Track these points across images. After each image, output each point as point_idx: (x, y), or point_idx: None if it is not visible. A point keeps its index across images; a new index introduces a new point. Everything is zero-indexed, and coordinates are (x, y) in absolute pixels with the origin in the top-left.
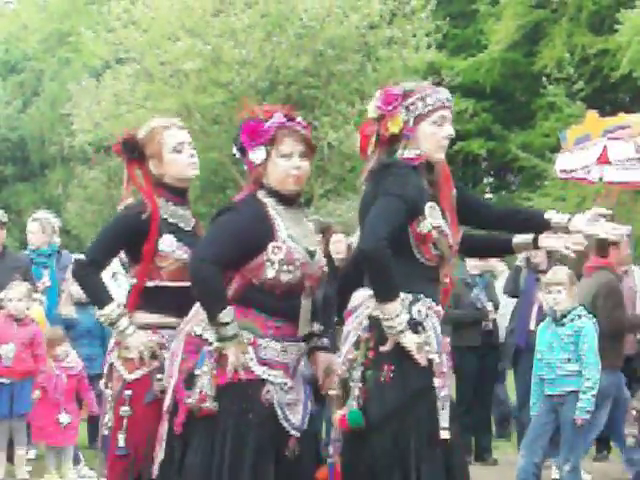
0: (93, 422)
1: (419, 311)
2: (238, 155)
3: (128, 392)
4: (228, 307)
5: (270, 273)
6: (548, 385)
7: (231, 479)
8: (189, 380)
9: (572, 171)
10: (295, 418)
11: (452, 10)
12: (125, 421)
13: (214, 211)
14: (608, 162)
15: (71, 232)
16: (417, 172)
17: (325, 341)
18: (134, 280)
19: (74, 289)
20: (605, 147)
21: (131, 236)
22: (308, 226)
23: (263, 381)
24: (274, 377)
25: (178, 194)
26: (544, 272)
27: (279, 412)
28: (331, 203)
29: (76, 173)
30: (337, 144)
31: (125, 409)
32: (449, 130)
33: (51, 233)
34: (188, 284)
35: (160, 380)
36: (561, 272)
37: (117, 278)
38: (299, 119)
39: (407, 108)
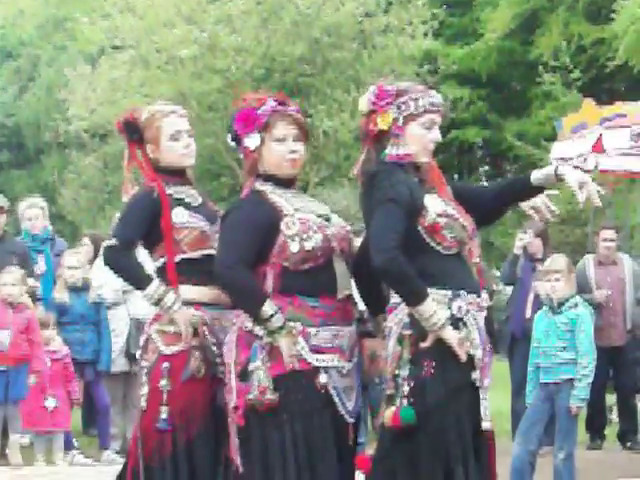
0: (88, 408)
1: (459, 307)
2: (233, 144)
3: (166, 365)
4: (267, 300)
5: (294, 247)
6: (544, 373)
7: (310, 467)
8: (243, 376)
9: (569, 159)
10: (350, 404)
11: None
12: (165, 395)
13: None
14: (603, 150)
15: (66, 218)
16: (404, 170)
17: (369, 326)
18: (160, 261)
19: (68, 274)
20: (600, 135)
21: (150, 213)
22: (312, 200)
23: (317, 369)
24: (328, 362)
25: (176, 175)
26: (540, 261)
27: (336, 398)
28: (326, 191)
29: (71, 159)
30: (332, 132)
31: (164, 383)
32: (436, 135)
33: (47, 218)
34: (208, 252)
35: (198, 358)
36: (559, 260)
37: None
38: (291, 104)
39: (399, 106)
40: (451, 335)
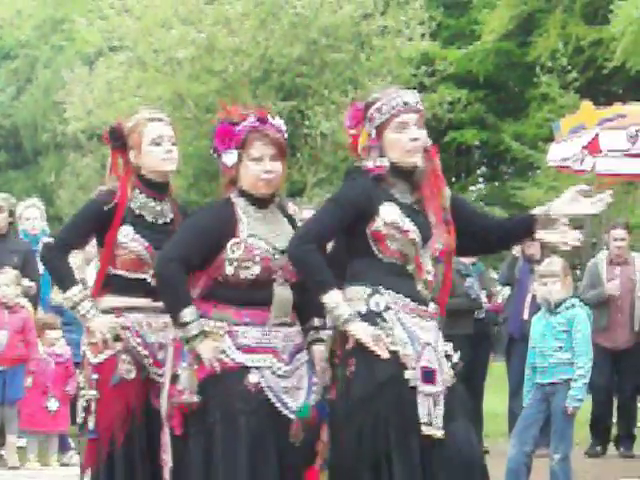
0: None
1: (377, 303)
2: (215, 156)
3: (95, 376)
4: (190, 307)
5: (229, 270)
6: (540, 374)
7: (228, 469)
8: (174, 380)
9: (565, 160)
10: (295, 403)
11: (446, 0)
12: (93, 404)
13: (206, 200)
14: (599, 151)
15: (63, 220)
16: (376, 179)
17: (323, 334)
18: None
19: None
20: (597, 136)
21: (96, 223)
22: (283, 225)
23: (247, 368)
24: (260, 361)
25: (154, 188)
26: (538, 262)
27: (272, 397)
28: (324, 192)
29: (69, 161)
30: (330, 133)
31: (92, 393)
32: (413, 133)
33: (44, 219)
34: (142, 276)
35: (126, 361)
36: (555, 263)
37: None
38: (273, 121)
39: (369, 120)
40: (358, 328)
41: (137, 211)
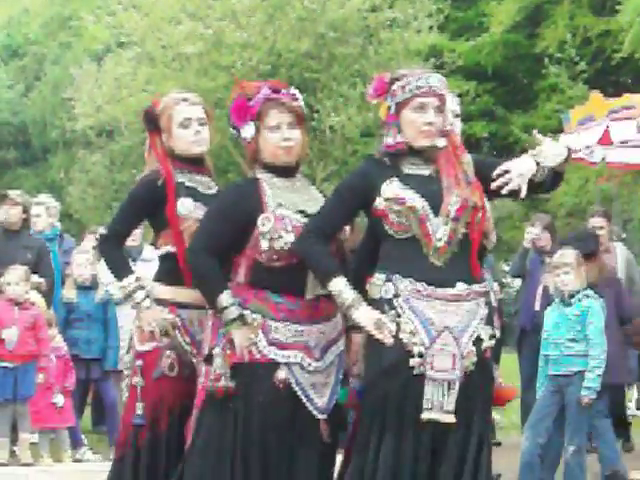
0: (96, 405)
1: (387, 290)
2: (235, 135)
3: (139, 362)
4: (226, 292)
5: (264, 244)
6: (553, 365)
7: (242, 460)
8: (208, 359)
9: (575, 152)
10: (321, 400)
11: None
12: (139, 391)
13: None
14: (610, 143)
15: (73, 216)
16: (393, 155)
17: None
18: (164, 249)
19: (77, 273)
20: (607, 128)
21: (149, 204)
22: (312, 192)
23: (277, 363)
24: (290, 357)
25: (191, 163)
26: (549, 254)
27: (300, 393)
28: (333, 187)
29: (78, 157)
30: (339, 127)
31: (137, 379)
32: (430, 117)
33: (54, 216)
34: None
35: (170, 357)
36: (568, 254)
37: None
38: (286, 90)
39: (391, 95)
40: (361, 315)
41: (187, 183)
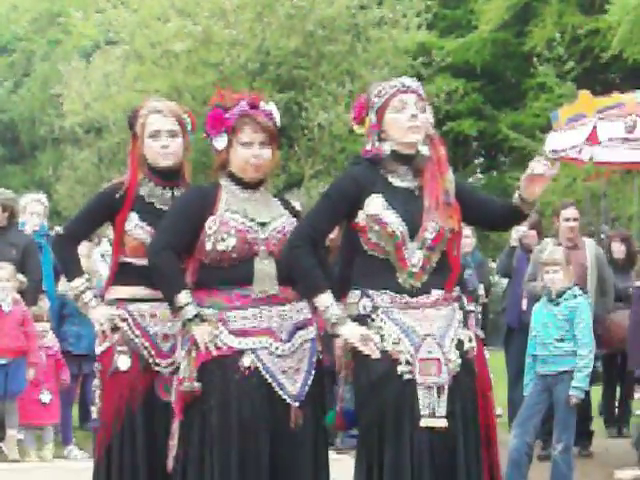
0: (84, 402)
1: (364, 306)
2: (208, 141)
3: (97, 365)
4: (184, 291)
5: (208, 246)
6: (542, 364)
7: (221, 456)
8: (177, 368)
9: (562, 151)
10: (293, 387)
11: None
12: (97, 394)
13: None
14: (598, 142)
15: (62, 213)
16: (375, 164)
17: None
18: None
19: None
20: (595, 126)
21: (105, 212)
22: (270, 204)
23: (242, 352)
24: (255, 343)
25: (161, 176)
26: None
27: (268, 378)
28: (322, 184)
29: (66, 155)
30: (327, 125)
31: (95, 382)
32: (411, 111)
33: (45, 214)
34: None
35: (121, 352)
36: (557, 252)
37: (106, 260)
38: (264, 107)
39: (370, 107)
40: (347, 331)
41: (147, 198)
